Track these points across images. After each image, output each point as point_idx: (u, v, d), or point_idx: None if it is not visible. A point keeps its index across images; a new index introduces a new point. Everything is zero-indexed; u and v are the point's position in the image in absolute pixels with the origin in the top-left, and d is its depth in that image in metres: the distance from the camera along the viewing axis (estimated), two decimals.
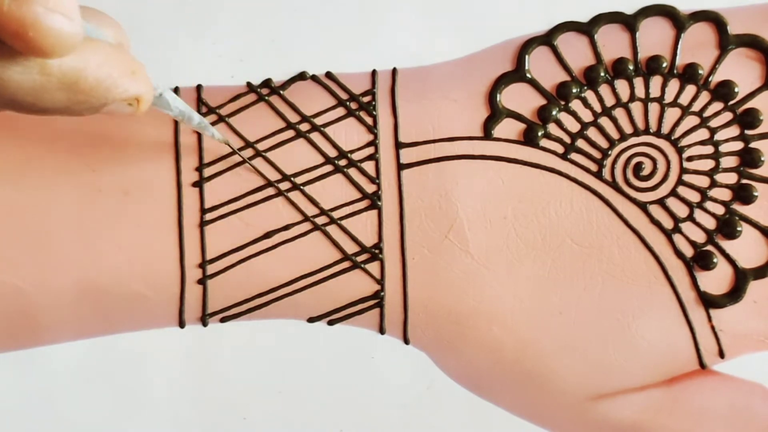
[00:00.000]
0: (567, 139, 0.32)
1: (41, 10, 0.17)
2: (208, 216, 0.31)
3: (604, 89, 0.32)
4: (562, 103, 0.32)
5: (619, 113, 0.32)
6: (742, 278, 0.31)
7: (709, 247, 0.31)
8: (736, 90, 0.31)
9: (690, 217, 0.31)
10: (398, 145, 0.32)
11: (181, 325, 0.32)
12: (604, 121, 0.32)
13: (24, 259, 0.31)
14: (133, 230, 0.31)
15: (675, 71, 0.32)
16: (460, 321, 0.31)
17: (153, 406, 0.32)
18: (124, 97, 0.21)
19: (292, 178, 0.32)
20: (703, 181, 0.32)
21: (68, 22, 0.18)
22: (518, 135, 0.32)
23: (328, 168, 0.32)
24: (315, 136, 0.32)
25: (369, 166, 0.32)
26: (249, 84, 0.32)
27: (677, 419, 0.32)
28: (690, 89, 0.32)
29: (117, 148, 0.31)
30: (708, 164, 0.32)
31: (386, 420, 0.32)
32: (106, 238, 0.31)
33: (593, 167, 0.32)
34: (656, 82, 0.32)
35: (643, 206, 0.32)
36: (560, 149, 0.32)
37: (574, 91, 0.32)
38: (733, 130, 0.32)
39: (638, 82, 0.32)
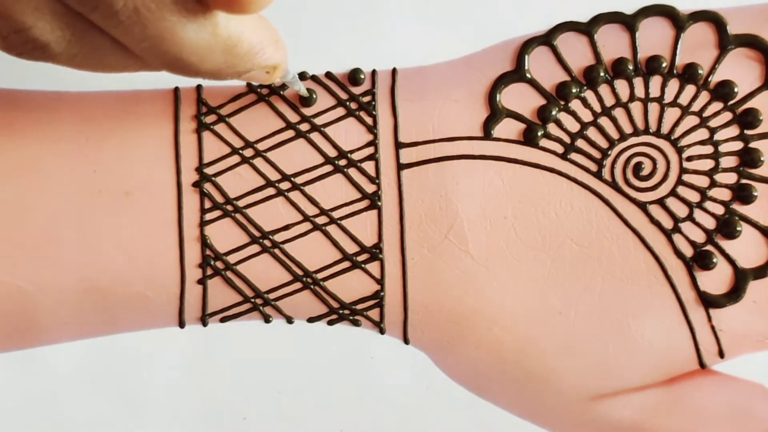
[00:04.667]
0: (567, 139, 0.32)
1: None
2: (208, 216, 0.32)
3: (603, 89, 0.32)
4: (562, 103, 0.32)
5: (619, 113, 0.32)
6: (741, 278, 0.31)
7: (709, 247, 0.31)
8: (735, 90, 0.31)
9: (690, 217, 0.31)
10: (398, 145, 0.32)
11: (181, 325, 0.32)
12: (603, 121, 0.32)
13: (25, 259, 0.31)
14: (134, 230, 0.31)
15: (675, 71, 0.32)
16: (460, 321, 0.31)
17: (153, 406, 0.32)
18: (266, 64, 0.22)
19: (292, 178, 0.32)
20: (702, 181, 0.32)
21: None
22: (518, 135, 0.32)
23: (328, 168, 0.32)
24: (315, 136, 0.32)
25: (369, 166, 0.32)
26: (249, 84, 0.32)
27: (677, 419, 0.32)
28: (690, 89, 0.32)
29: (118, 149, 0.31)
30: (708, 164, 0.32)
31: (386, 420, 0.32)
32: (106, 238, 0.31)
33: (593, 167, 0.32)
34: (656, 82, 0.32)
35: (642, 206, 0.32)
36: (560, 149, 0.32)
37: (574, 91, 0.32)
38: (733, 130, 0.32)
39: (638, 82, 0.32)
